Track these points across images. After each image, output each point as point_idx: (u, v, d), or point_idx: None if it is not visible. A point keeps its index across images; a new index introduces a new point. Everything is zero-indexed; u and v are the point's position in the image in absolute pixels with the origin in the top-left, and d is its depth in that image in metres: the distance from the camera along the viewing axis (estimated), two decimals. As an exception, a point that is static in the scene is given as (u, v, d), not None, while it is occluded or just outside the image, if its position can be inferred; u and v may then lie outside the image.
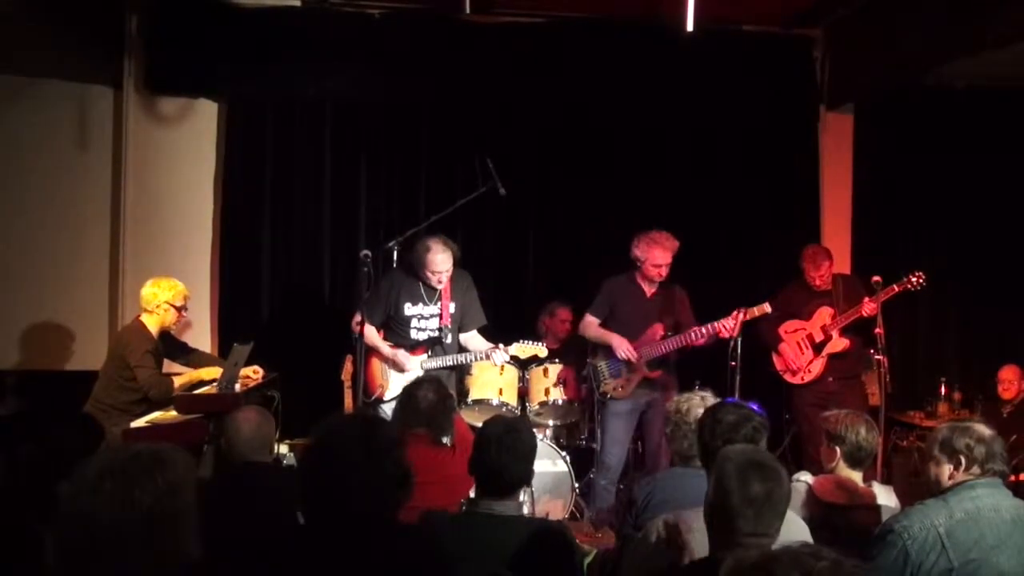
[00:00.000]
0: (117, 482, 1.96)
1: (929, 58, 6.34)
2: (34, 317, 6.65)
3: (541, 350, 5.74)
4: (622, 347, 5.81)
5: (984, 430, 3.12)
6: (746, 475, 2.48)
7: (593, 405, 5.97)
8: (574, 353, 6.24)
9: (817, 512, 3.52)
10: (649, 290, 5.96)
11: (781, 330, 6.29)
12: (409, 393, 4.07)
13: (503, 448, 3.05)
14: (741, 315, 5.53)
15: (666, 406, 3.79)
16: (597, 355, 5.97)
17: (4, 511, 2.73)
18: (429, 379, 4.31)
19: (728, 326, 5.57)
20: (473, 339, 5.79)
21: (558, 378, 6.03)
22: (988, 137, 7.34)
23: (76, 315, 6.71)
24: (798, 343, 6.27)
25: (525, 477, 3.10)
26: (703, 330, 5.72)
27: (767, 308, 5.66)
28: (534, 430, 3.38)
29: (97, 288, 6.78)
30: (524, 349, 5.68)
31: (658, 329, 5.87)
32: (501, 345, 5.63)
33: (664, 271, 5.85)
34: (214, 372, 5.47)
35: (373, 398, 5.59)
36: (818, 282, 6.20)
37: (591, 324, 5.99)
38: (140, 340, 5.40)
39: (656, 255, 5.81)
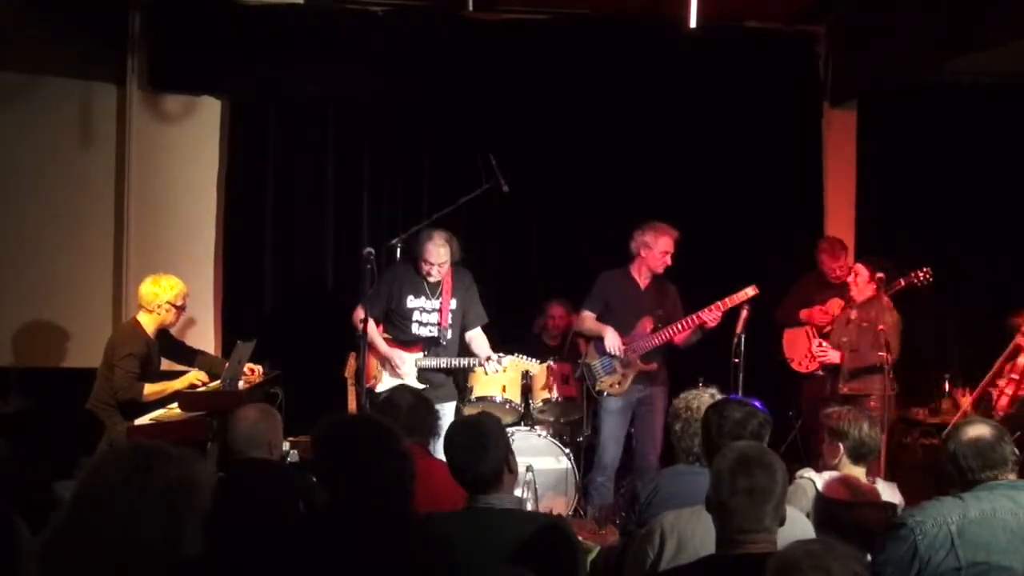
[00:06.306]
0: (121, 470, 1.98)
1: (933, 54, 6.33)
2: (37, 314, 6.65)
3: (533, 366, 5.82)
4: (612, 341, 5.83)
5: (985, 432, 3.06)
6: (735, 470, 2.52)
7: (585, 403, 5.99)
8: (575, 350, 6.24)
9: (821, 509, 3.52)
10: (644, 283, 5.98)
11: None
12: (387, 400, 4.12)
13: (455, 447, 3.10)
14: (723, 304, 5.71)
15: (673, 403, 3.76)
16: (588, 353, 5.98)
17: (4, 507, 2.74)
18: (402, 386, 4.32)
19: (711, 316, 5.73)
20: (478, 338, 5.80)
21: (560, 376, 6.05)
22: (993, 133, 7.31)
23: (80, 312, 6.71)
24: (806, 332, 6.31)
25: (493, 468, 3.04)
26: (687, 322, 5.81)
27: (751, 292, 5.73)
28: (500, 419, 3.36)
29: (100, 285, 6.78)
30: (517, 364, 5.77)
31: (647, 323, 5.90)
32: (493, 357, 5.65)
33: (670, 259, 5.90)
34: (189, 378, 5.47)
35: (365, 388, 5.59)
36: (837, 272, 6.23)
37: (587, 318, 6.00)
38: (128, 341, 5.40)
39: (666, 242, 5.88)
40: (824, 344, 5.95)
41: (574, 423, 6.26)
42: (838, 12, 7.08)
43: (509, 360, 5.69)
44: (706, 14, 5.51)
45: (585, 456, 6.11)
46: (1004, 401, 5.62)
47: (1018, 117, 7.24)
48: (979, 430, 3.05)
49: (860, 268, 5.85)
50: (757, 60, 7.13)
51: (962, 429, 3.10)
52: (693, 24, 5.46)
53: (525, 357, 5.79)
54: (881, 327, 5.70)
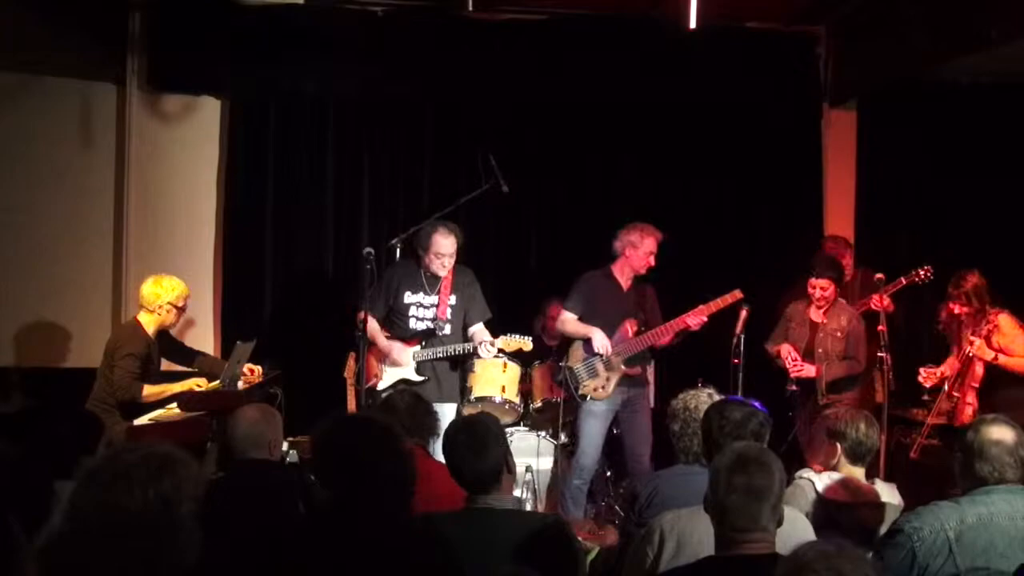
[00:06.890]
0: (119, 482, 1.97)
1: (933, 54, 6.33)
2: (37, 314, 6.65)
3: (526, 343, 5.72)
4: (600, 342, 5.76)
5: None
6: (733, 469, 2.53)
7: (562, 407, 5.90)
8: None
9: (821, 510, 3.52)
10: (626, 284, 5.93)
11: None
12: (386, 401, 4.14)
13: (455, 447, 3.11)
14: (708, 307, 5.68)
15: (672, 403, 3.76)
16: (569, 357, 5.89)
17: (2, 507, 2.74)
18: (401, 387, 4.31)
19: (695, 320, 5.68)
20: (480, 332, 5.78)
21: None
22: (993, 133, 7.31)
23: (79, 312, 6.72)
24: None
25: (493, 467, 3.05)
26: (671, 325, 5.77)
27: (738, 295, 5.70)
28: (499, 420, 3.36)
29: (100, 285, 6.79)
30: (509, 343, 5.67)
31: (630, 326, 5.85)
32: (486, 340, 5.63)
33: (653, 260, 5.85)
34: (189, 384, 5.48)
35: (367, 387, 5.60)
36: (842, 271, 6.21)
37: (569, 320, 5.88)
38: (128, 341, 5.41)
39: (651, 243, 5.81)
40: (798, 360, 5.82)
41: (574, 423, 6.25)
42: (838, 12, 7.08)
43: (501, 340, 5.64)
44: (706, 14, 5.52)
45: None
46: (970, 411, 5.61)
47: (1018, 117, 7.24)
48: (1003, 432, 3.01)
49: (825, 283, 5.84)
50: (757, 60, 7.13)
51: (987, 426, 3.04)
52: (693, 24, 5.47)
53: (517, 336, 5.72)
54: (881, 327, 5.70)
